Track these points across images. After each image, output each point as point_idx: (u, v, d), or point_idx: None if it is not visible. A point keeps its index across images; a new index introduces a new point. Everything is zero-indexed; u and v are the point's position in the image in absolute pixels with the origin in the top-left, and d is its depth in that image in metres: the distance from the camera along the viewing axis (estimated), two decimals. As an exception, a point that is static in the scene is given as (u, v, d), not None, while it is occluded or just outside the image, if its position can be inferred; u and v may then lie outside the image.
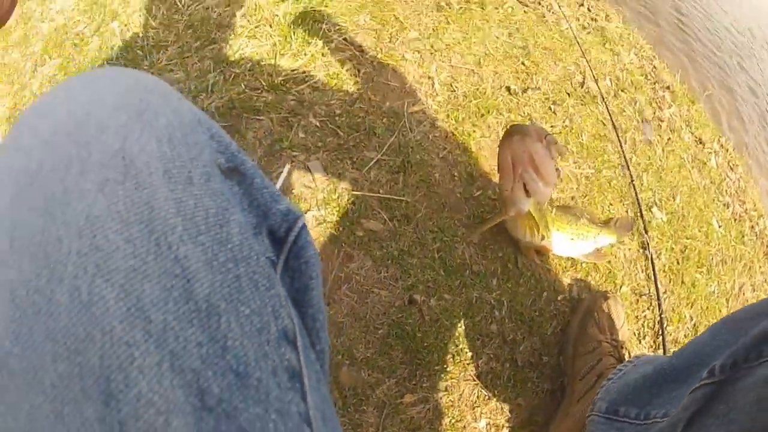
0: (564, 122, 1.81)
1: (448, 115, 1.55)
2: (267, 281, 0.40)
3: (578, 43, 2.20)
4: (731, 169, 2.56)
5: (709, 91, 4.17)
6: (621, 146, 1.89)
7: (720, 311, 1.77)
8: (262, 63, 1.53)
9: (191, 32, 1.60)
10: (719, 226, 2.08)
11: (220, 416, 0.33)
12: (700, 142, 2.46)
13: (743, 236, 2.16)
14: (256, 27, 1.62)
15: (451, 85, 1.64)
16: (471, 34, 1.86)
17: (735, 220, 2.23)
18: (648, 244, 1.68)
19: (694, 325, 1.63)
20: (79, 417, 0.31)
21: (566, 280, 1.45)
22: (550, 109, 1.82)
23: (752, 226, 2.30)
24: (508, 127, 1.19)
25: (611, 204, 1.70)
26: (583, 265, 1.49)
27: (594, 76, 2.10)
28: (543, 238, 1.32)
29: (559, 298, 1.40)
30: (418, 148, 1.43)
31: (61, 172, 0.36)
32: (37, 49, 1.63)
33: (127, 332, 0.32)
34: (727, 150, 2.62)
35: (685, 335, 1.58)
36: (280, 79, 1.48)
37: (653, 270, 1.62)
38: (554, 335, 1.38)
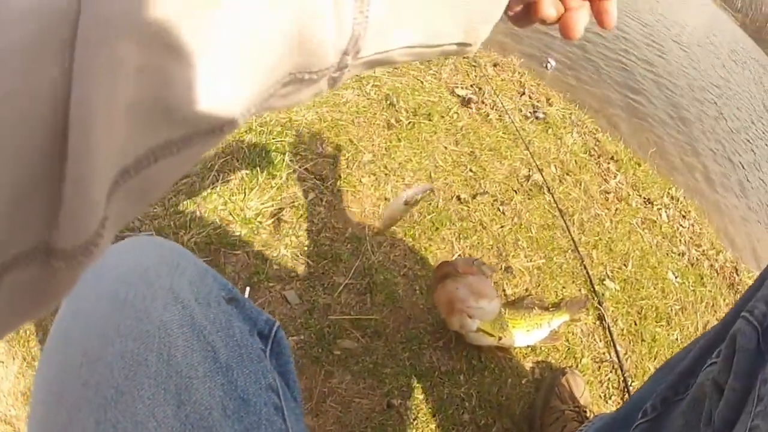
0: (513, 220, 2.07)
1: (405, 234, 1.80)
2: (258, 358, 0.75)
3: (521, 135, 2.48)
4: (683, 217, 2.81)
5: (653, 148, 4.51)
6: (569, 230, 2.14)
7: None
8: (233, 198, 1.75)
9: None
10: (676, 277, 2.31)
11: (234, 420, 0.67)
12: (649, 202, 2.71)
13: (702, 278, 2.40)
14: (224, 161, 1.85)
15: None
16: (421, 149, 2.13)
17: (692, 265, 2.47)
18: (604, 315, 1.90)
19: None
20: None
21: (528, 365, 1.67)
22: (499, 210, 2.07)
23: (711, 265, 2.53)
24: (435, 268, 1.51)
25: (564, 287, 1.93)
26: (542, 348, 1.72)
27: (538, 167, 2.37)
28: (500, 338, 1.57)
29: (523, 382, 1.62)
30: (381, 268, 1.67)
31: (140, 298, 0.67)
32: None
33: (189, 374, 0.66)
34: (678, 200, 2.88)
35: None
36: (251, 213, 1.72)
37: (611, 337, 1.85)
38: (522, 414, 1.57)
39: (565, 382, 1.58)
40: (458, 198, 2.02)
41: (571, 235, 2.13)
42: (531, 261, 1.96)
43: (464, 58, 3.06)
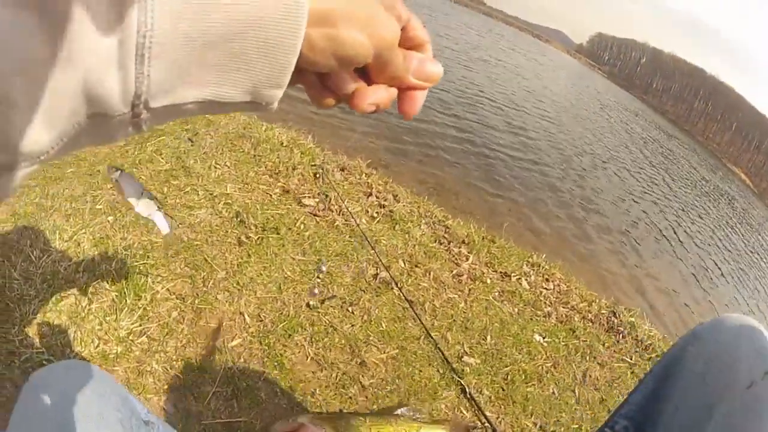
0: (363, 318, 2.45)
1: (260, 342, 2.18)
2: None
3: (367, 236, 2.88)
4: (547, 280, 3.22)
5: (508, 221, 5.05)
6: (418, 317, 2.49)
7: (568, 403, 2.33)
8: (107, 318, 2.08)
9: (47, 287, 2.10)
10: (543, 338, 2.66)
11: None
12: (506, 276, 3.11)
13: (575, 331, 2.74)
14: (96, 283, 2.19)
15: (259, 315, 2.29)
16: (270, 263, 2.54)
17: (561, 322, 2.83)
18: (465, 387, 2.21)
19: (540, 427, 2.19)
20: None
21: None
22: (348, 310, 2.46)
23: (584, 317, 2.91)
24: None
25: (421, 370, 2.28)
26: None
27: (385, 265, 2.79)
28: None
29: None
30: (243, 376, 2.02)
31: (88, 419, 0.98)
32: None
33: None
34: (539, 266, 3.30)
35: None
36: (124, 332, 2.05)
37: (476, 405, 2.16)
38: None
39: None
40: (308, 305, 2.41)
41: (421, 322, 2.48)
42: (384, 353, 2.32)
43: (312, 165, 3.51)
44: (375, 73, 0.56)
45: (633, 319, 3.21)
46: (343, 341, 2.33)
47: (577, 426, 2.30)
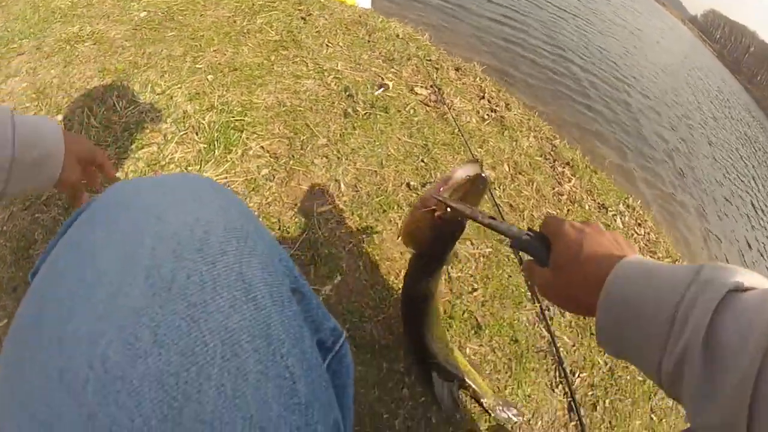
0: None
1: (353, 213, 1.83)
2: (326, 383, 0.59)
3: (459, 129, 2.50)
4: (639, 225, 2.81)
5: (611, 158, 4.60)
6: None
7: None
8: (189, 168, 1.79)
9: (128, 135, 1.86)
10: None
11: None
12: (603, 207, 2.72)
13: None
14: (184, 134, 1.90)
15: (356, 186, 1.93)
16: (375, 138, 2.17)
17: None
18: (540, 303, 1.88)
19: (610, 368, 1.86)
20: None
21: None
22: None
23: None
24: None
25: (510, 276, 1.93)
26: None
27: (491, 164, 2.41)
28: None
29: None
30: (326, 243, 1.69)
31: (197, 285, 0.48)
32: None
33: (260, 417, 0.47)
34: (634, 209, 2.89)
35: (601, 379, 1.81)
36: None
37: (548, 329, 1.83)
38: (465, 395, 1.55)
39: None
40: (408, 185, 2.04)
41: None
42: (477, 249, 1.97)
43: (427, 60, 3.12)
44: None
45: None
46: (437, 229, 1.94)
47: (641, 379, 1.92)
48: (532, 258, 0.95)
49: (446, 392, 1.51)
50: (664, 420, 1.86)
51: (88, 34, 2.33)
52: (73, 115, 1.91)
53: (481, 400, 1.54)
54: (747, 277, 0.61)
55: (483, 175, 1.21)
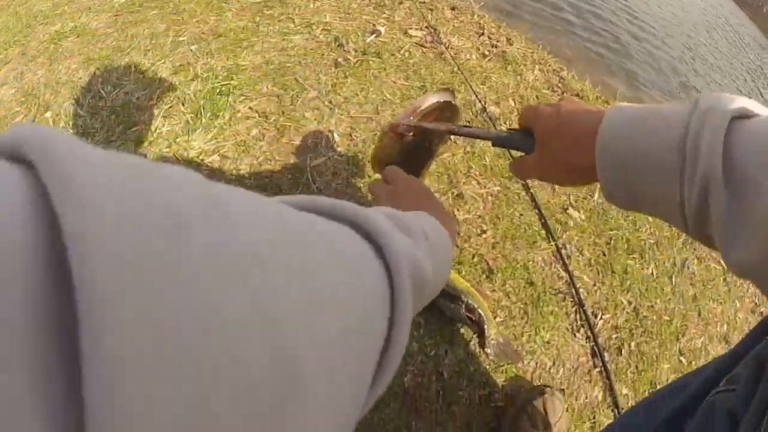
0: (465, 149, 1.98)
1: (348, 162, 1.75)
2: None
3: (459, 67, 2.40)
4: None
5: (622, 89, 4.44)
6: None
7: (664, 290, 1.87)
8: (177, 140, 1.72)
9: (114, 117, 1.81)
10: None
11: None
12: None
13: None
14: (169, 106, 1.83)
15: (350, 135, 1.85)
16: (368, 84, 2.07)
17: None
18: (556, 242, 1.78)
19: (634, 308, 1.75)
20: None
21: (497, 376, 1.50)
22: (450, 138, 1.97)
23: None
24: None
25: (522, 214, 1.83)
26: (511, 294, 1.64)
27: (494, 100, 2.30)
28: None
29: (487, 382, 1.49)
30: (323, 195, 1.61)
31: None
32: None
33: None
34: None
35: (625, 320, 1.71)
36: (194, 153, 1.68)
37: (566, 267, 1.73)
38: (476, 347, 1.48)
39: (540, 404, 1.38)
40: None
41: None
42: (485, 188, 1.87)
43: (421, 2, 2.99)
44: None
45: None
46: (441, 169, 1.88)
47: (668, 318, 1.79)
48: (520, 153, 0.92)
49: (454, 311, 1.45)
50: (693, 363, 1.75)
51: (70, 30, 2.27)
52: (60, 110, 1.87)
53: (484, 327, 1.43)
54: (748, 103, 0.58)
55: (453, 102, 1.16)
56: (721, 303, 1.92)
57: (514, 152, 1.10)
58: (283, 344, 0.28)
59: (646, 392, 1.62)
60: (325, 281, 0.35)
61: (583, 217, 1.96)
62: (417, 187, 0.98)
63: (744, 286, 2.01)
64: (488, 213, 1.81)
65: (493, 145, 0.96)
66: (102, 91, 1.91)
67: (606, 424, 1.45)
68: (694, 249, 2.09)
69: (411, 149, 1.16)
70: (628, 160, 0.64)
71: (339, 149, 1.80)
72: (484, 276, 1.62)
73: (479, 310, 1.43)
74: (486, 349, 1.42)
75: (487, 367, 1.47)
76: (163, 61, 2.05)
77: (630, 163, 0.64)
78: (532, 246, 1.76)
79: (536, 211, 1.88)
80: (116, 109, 1.84)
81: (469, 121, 2.14)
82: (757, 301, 1.97)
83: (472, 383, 1.44)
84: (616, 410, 1.54)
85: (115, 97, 1.89)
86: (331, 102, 1.96)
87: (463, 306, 1.43)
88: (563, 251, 1.78)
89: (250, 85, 1.95)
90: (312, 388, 0.30)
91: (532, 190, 1.91)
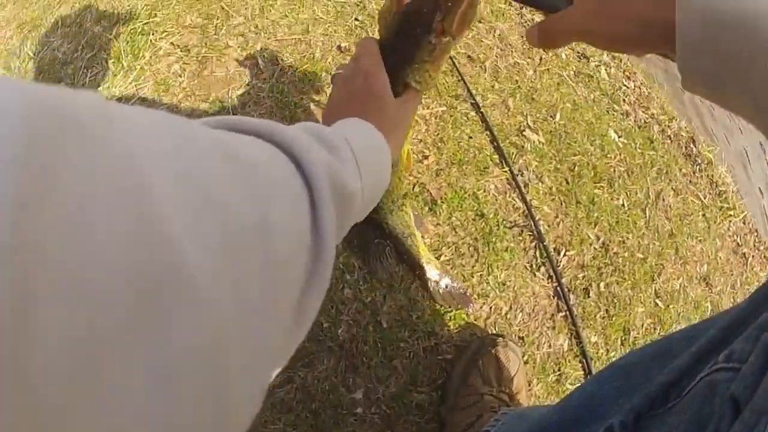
0: None
1: (272, 89, 1.65)
2: None
3: None
4: (628, 78, 2.40)
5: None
6: (459, 71, 1.85)
7: (636, 223, 1.73)
8: (99, 88, 1.66)
9: (41, 77, 1.76)
10: (619, 137, 1.97)
11: None
12: (584, 57, 2.30)
13: (652, 141, 2.05)
14: (92, 55, 1.76)
15: (276, 59, 1.74)
16: (298, 4, 1.94)
17: (639, 127, 2.11)
18: (510, 168, 1.62)
19: (603, 244, 1.62)
20: None
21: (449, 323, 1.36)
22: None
23: (663, 130, 2.16)
24: None
25: (471, 137, 1.68)
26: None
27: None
28: None
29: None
30: None
31: None
32: None
33: None
34: (621, 60, 2.53)
35: (593, 257, 1.58)
36: (115, 98, 1.61)
37: (523, 197, 1.58)
38: (418, 291, 1.37)
39: (492, 356, 1.23)
40: (339, 48, 1.83)
41: (464, 82, 1.80)
42: (428, 108, 1.72)
43: None
44: None
45: (711, 156, 2.26)
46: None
47: (642, 256, 1.64)
48: (541, 11, 0.74)
49: (378, 259, 1.19)
50: (671, 306, 1.62)
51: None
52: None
53: (425, 269, 1.22)
54: None
55: None
56: (700, 240, 1.77)
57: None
58: (149, 213, 0.27)
59: (618, 340, 1.51)
60: (211, 181, 0.34)
61: (542, 140, 1.78)
62: (372, 83, 0.80)
63: (725, 223, 1.85)
64: (431, 136, 1.66)
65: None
66: (30, 52, 1.85)
67: (573, 379, 1.37)
68: (670, 180, 1.93)
69: (408, 23, 0.86)
70: (728, 18, 0.47)
71: (263, 76, 1.70)
72: (426, 208, 1.50)
73: (415, 246, 1.18)
74: (430, 293, 1.27)
75: (433, 314, 1.37)
76: (88, 10, 1.95)
77: (730, 23, 0.47)
78: (482, 172, 1.61)
79: (488, 133, 1.71)
80: (44, 68, 1.78)
81: None
82: (739, 240, 1.82)
83: (415, 333, 1.34)
84: (584, 360, 1.43)
85: (43, 57, 1.82)
86: (257, 26, 1.85)
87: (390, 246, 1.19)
88: (519, 178, 1.61)
89: (173, 20, 1.85)
90: (197, 283, 0.29)
91: (482, 110, 1.74)
